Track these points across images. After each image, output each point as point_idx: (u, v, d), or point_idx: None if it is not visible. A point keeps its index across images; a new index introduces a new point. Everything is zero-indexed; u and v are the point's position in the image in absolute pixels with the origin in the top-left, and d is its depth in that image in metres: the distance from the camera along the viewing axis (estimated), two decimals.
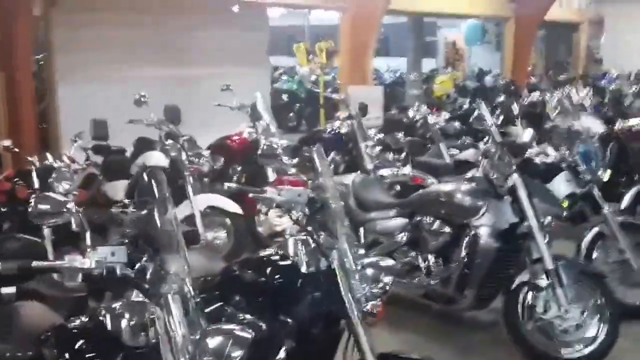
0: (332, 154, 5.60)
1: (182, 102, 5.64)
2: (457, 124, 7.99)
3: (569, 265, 3.23)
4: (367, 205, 3.96)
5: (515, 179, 3.29)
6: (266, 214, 3.36)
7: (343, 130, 5.69)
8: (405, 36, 13.35)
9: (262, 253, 2.26)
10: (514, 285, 3.26)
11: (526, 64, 11.40)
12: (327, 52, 7.29)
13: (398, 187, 4.80)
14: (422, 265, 3.61)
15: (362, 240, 3.95)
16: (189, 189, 4.18)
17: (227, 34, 8.20)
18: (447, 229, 3.53)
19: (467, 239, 3.43)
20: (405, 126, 7.09)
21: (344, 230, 2.13)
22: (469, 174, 3.80)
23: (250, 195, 2.37)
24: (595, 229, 3.88)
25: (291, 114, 10.43)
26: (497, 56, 14.12)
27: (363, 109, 7.68)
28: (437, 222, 3.52)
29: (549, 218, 3.25)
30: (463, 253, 3.44)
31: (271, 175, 4.95)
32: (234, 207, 4.41)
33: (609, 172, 4.96)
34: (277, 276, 2.10)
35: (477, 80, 13.93)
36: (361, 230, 3.92)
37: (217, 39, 8.06)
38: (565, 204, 3.93)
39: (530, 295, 3.23)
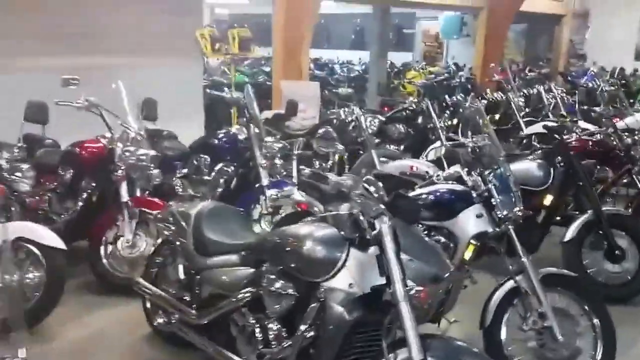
0: (220, 166, 4.54)
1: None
2: (400, 126, 6.99)
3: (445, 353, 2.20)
4: (208, 246, 2.93)
5: (382, 222, 2.26)
6: None
7: (241, 137, 4.65)
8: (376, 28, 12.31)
9: None
10: None
11: (498, 58, 10.32)
12: (241, 41, 6.24)
13: None
14: (259, 337, 2.59)
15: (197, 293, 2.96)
16: None
17: (148, 16, 7.08)
18: (290, 290, 2.50)
19: (313, 305, 2.42)
20: (337, 129, 6.07)
21: None
22: (342, 208, 2.75)
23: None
24: (509, 284, 2.86)
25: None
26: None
27: (292, 108, 6.68)
28: (281, 280, 2.48)
29: (418, 288, 2.20)
30: (307, 324, 2.42)
31: (124, 193, 3.94)
32: (51, 240, 3.38)
33: (550, 197, 3.97)
34: None
35: (450, 77, 12.84)
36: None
37: (135, 23, 6.93)
38: (471, 250, 2.90)
39: None
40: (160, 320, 3.22)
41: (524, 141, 7.04)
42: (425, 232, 2.98)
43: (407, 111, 6.92)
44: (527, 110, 8.39)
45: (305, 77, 7.36)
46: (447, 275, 2.35)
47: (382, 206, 2.20)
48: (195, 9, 7.79)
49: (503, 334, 2.84)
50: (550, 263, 4.03)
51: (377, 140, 7.10)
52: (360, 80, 12.43)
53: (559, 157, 4.02)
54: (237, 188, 4.52)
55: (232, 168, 4.58)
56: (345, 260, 2.31)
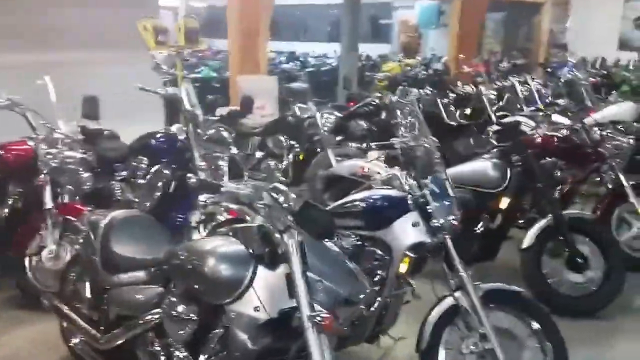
0: (156, 168, 4.19)
1: (37, 94, 4.21)
2: (363, 122, 6.68)
3: None
4: (116, 261, 2.62)
5: (289, 237, 1.96)
6: None
7: (182, 136, 4.30)
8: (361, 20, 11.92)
9: None
10: None
11: (473, 49, 9.99)
12: (187, 32, 5.88)
13: None
14: None
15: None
16: None
17: (101, 9, 6.70)
18: (193, 315, 2.20)
19: (216, 331, 2.13)
20: (292, 127, 5.76)
21: None
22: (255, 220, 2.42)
23: None
24: (448, 301, 2.57)
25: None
26: None
27: (247, 104, 6.33)
28: (183, 303, 2.18)
29: (325, 314, 1.91)
30: (208, 354, 2.13)
31: (48, 200, 3.61)
32: None
33: (506, 201, 3.68)
34: None
35: (425, 69, 12.51)
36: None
37: (88, 17, 6.55)
38: (406, 262, 2.60)
39: None
40: (76, 340, 2.94)
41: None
42: (359, 243, 2.68)
43: (370, 106, 6.60)
44: (500, 103, 8.11)
45: (263, 71, 7.01)
46: (362, 297, 2.10)
47: (290, 218, 1.91)
48: (149, 2, 7.42)
49: (441, 357, 2.56)
50: (511, 272, 3.82)
51: (338, 138, 6.83)
52: (333, 74, 12.08)
53: (516, 156, 3.73)
54: (176, 193, 4.18)
55: (170, 170, 4.23)
56: (252, 280, 2.02)
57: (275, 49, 16.91)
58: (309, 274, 1.95)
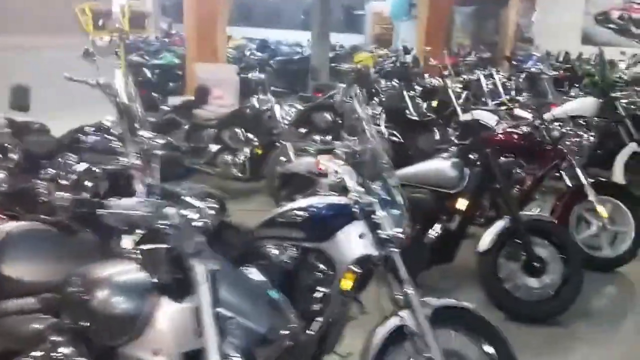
0: (84, 167, 3.73)
1: None
2: (327, 115, 6.53)
3: None
4: (3, 285, 2.11)
5: (199, 263, 1.65)
6: None
7: (117, 131, 3.99)
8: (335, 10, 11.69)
9: None
10: None
11: (441, 42, 9.91)
12: (132, 17, 5.60)
13: None
14: None
15: None
16: None
17: None
18: (82, 358, 1.80)
19: None
20: (250, 120, 5.56)
21: None
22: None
23: None
24: (393, 321, 2.32)
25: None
26: None
27: (202, 94, 6.12)
28: (70, 344, 1.80)
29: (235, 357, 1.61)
30: None
31: None
32: None
33: (464, 201, 3.57)
34: None
35: (395, 61, 12.38)
36: None
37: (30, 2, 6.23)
38: (350, 278, 2.40)
39: None
40: None
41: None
42: (302, 256, 2.48)
43: (334, 98, 6.44)
44: (467, 96, 8.06)
45: (222, 58, 6.76)
46: (284, 333, 1.91)
47: (203, 240, 1.66)
48: None
49: None
50: (470, 273, 3.72)
51: (303, 130, 6.66)
52: (304, 63, 11.87)
53: (475, 155, 3.62)
54: (107, 195, 3.87)
55: (101, 169, 3.89)
56: (151, 316, 1.68)
57: (248, 35, 16.54)
58: (220, 309, 1.65)
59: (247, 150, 5.45)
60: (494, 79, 8.47)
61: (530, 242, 3.42)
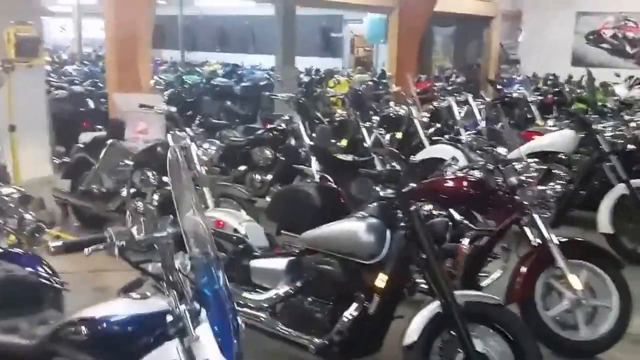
0: None
1: None
2: (268, 150, 5.66)
3: None
4: None
5: None
6: None
7: None
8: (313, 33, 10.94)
9: None
10: None
11: (413, 65, 9.10)
12: (19, 43, 4.81)
13: None
14: None
15: None
16: None
17: None
18: None
19: None
20: (163, 160, 4.68)
21: None
22: None
23: None
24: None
25: None
26: None
27: (117, 128, 5.30)
28: None
29: None
30: None
31: None
32: None
33: (384, 277, 2.67)
34: None
35: (375, 85, 11.59)
36: None
37: None
38: None
39: None
40: None
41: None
42: None
43: (276, 132, 5.59)
44: (437, 125, 7.21)
45: (147, 87, 5.94)
46: None
47: None
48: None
49: None
50: None
51: (243, 168, 5.81)
52: (271, 89, 11.08)
53: (399, 214, 2.72)
54: None
55: None
56: None
57: (228, 61, 16.07)
58: None
59: (155, 196, 4.57)
60: (470, 105, 7.66)
61: (468, 333, 2.51)
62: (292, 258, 2.97)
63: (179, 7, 16.27)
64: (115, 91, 5.57)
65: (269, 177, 5.48)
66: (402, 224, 2.69)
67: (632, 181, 4.56)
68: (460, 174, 3.55)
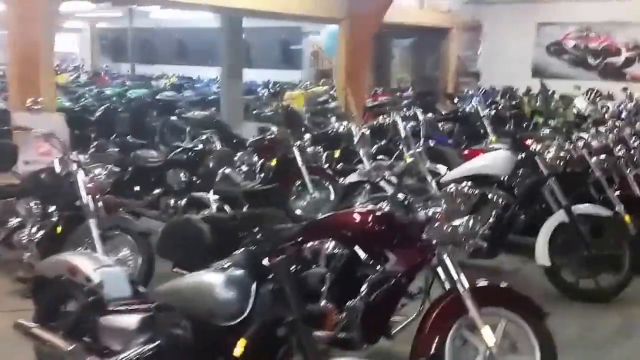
0: None
1: None
2: (182, 173, 5.15)
3: None
4: None
5: None
6: None
7: None
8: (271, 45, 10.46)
9: None
10: None
11: (362, 77, 8.67)
12: None
13: None
14: None
15: None
16: None
17: None
18: None
19: None
20: (49, 188, 4.17)
21: None
22: None
23: None
24: None
25: None
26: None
27: (6, 154, 4.76)
28: None
29: None
30: None
31: None
32: None
33: (243, 342, 2.16)
34: None
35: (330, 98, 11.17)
36: None
37: None
38: None
39: None
40: None
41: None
42: None
43: (191, 152, 5.09)
44: (382, 142, 6.79)
45: (51, 106, 5.37)
46: None
47: None
48: None
49: None
50: None
51: (157, 191, 5.29)
52: (217, 103, 10.59)
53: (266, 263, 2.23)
54: None
55: None
56: None
57: (182, 74, 15.64)
58: None
59: (38, 228, 4.02)
60: (419, 120, 7.28)
61: None
62: (145, 315, 2.45)
63: (129, 19, 15.83)
64: (18, 110, 5.02)
65: (182, 202, 4.96)
66: (270, 275, 2.20)
67: (574, 207, 4.15)
68: (369, 206, 3.09)
